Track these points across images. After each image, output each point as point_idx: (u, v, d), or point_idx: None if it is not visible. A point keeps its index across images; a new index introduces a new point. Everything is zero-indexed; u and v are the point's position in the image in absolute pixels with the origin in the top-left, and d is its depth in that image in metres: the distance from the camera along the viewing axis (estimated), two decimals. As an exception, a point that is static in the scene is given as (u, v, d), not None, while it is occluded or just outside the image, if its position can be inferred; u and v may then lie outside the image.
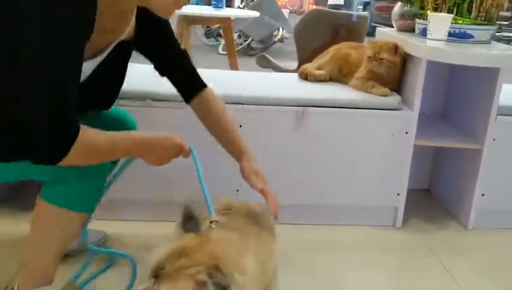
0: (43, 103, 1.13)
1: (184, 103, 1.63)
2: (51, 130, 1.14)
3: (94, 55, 1.33)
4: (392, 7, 2.54)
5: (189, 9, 3.91)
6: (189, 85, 1.59)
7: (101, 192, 1.46)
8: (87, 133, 1.19)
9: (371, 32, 9.45)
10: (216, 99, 1.61)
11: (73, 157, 1.17)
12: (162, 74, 1.59)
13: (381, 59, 2.21)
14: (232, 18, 4.25)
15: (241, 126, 2.06)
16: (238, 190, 1.98)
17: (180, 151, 1.41)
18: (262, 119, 2.10)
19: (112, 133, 1.27)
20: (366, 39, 2.80)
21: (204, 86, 1.60)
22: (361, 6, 15.30)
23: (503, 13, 9.36)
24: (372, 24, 12.45)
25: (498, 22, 8.07)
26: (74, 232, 1.45)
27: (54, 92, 1.13)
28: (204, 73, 1.64)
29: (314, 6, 18.77)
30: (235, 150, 1.57)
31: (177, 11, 4.18)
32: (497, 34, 9.27)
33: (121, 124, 1.64)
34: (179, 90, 1.59)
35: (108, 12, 1.23)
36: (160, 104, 2.03)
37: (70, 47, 1.14)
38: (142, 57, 1.61)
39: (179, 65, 1.58)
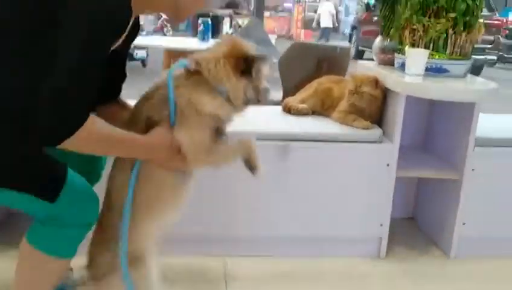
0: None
1: None
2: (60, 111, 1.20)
3: None
4: (378, 31, 2.61)
5: (174, 44, 3.98)
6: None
7: (83, 239, 1.45)
8: (96, 123, 1.26)
9: (360, 55, 9.60)
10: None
11: (75, 141, 1.22)
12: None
13: (362, 92, 2.27)
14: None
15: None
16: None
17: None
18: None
19: (113, 128, 1.32)
20: (354, 62, 2.87)
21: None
22: (348, 30, 15.59)
23: (486, 37, 9.58)
24: (360, 48, 12.72)
25: (482, 46, 8.13)
26: (58, 276, 1.47)
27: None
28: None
29: (303, 31, 19.11)
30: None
31: (164, 45, 4.24)
32: (481, 57, 9.38)
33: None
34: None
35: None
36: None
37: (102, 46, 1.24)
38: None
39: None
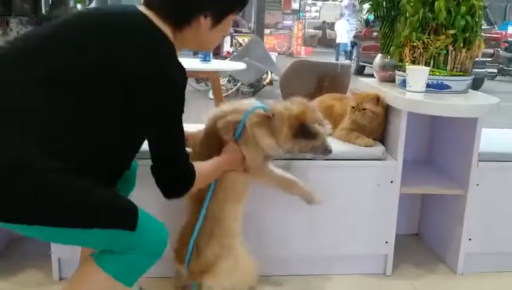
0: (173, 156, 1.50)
1: None
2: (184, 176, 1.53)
3: None
4: (378, 47, 2.62)
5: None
6: None
7: (147, 269, 1.50)
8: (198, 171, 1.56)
9: (360, 71, 9.66)
10: None
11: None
12: None
13: (364, 109, 2.27)
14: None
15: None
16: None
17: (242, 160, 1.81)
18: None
19: (204, 167, 1.66)
20: (355, 79, 2.88)
21: None
22: (348, 47, 15.72)
23: (486, 50, 9.61)
24: (360, 64, 12.76)
25: (482, 59, 8.15)
26: None
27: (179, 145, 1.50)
28: (189, 128, 1.76)
29: (303, 48, 19.22)
30: None
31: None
32: (481, 70, 9.41)
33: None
34: None
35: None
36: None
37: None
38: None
39: None
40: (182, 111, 1.47)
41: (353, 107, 2.31)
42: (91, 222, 1.31)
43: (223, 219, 1.84)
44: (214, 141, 1.82)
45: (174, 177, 1.51)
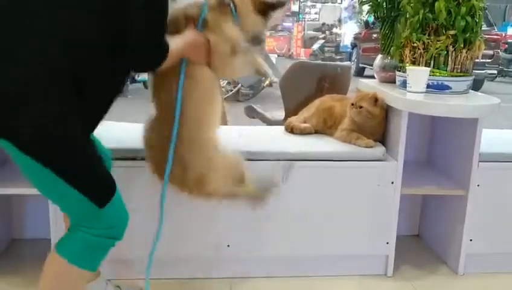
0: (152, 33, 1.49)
1: None
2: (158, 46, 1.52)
3: None
4: (377, 48, 2.62)
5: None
6: None
7: (106, 255, 1.60)
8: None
9: (361, 72, 9.66)
10: None
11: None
12: None
13: (360, 107, 2.27)
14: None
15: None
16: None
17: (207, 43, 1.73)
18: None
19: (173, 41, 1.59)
20: (355, 80, 2.88)
21: None
22: (349, 48, 15.76)
23: (486, 51, 9.63)
24: (360, 65, 12.76)
25: (482, 60, 8.16)
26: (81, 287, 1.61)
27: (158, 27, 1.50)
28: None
29: (303, 49, 19.23)
30: None
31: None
32: (481, 71, 9.39)
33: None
34: None
35: None
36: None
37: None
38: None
39: None
40: None
41: (352, 104, 2.31)
42: (78, 184, 1.44)
43: (201, 125, 1.77)
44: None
45: (152, 45, 1.52)
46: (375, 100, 2.27)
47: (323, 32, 16.81)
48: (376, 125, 2.31)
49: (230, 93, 7.61)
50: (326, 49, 15.24)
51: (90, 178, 1.49)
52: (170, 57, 1.56)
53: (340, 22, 19.96)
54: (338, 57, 15.00)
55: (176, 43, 1.61)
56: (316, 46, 15.51)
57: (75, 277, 1.55)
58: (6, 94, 1.34)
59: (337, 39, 16.62)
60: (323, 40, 15.64)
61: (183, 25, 1.72)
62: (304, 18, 24.67)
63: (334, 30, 17.59)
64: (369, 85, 2.54)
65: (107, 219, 1.52)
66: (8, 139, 1.37)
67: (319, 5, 27.24)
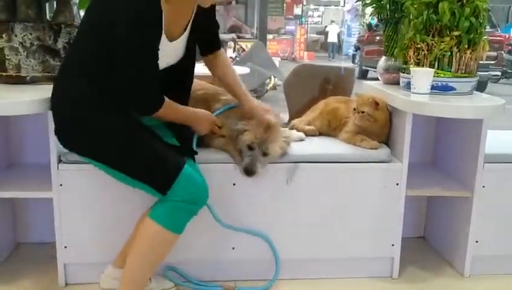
0: (141, 78, 1.71)
1: None
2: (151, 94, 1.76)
3: (178, 36, 1.85)
4: (380, 50, 2.61)
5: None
6: (211, 44, 2.09)
7: (189, 220, 1.83)
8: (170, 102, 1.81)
9: (364, 75, 9.68)
10: (227, 58, 2.22)
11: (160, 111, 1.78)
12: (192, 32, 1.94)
13: (362, 112, 2.27)
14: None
15: (234, 184, 2.11)
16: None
17: (212, 121, 2.04)
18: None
19: (177, 104, 1.85)
20: (359, 83, 2.88)
21: (220, 47, 2.13)
22: (351, 50, 15.77)
23: (489, 53, 9.60)
24: (363, 68, 12.78)
25: (485, 62, 8.12)
26: (169, 251, 1.84)
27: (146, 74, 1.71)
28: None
29: (306, 52, 19.27)
30: (237, 91, 2.13)
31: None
32: (485, 73, 9.36)
33: None
34: (200, 45, 2.06)
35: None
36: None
37: (150, 39, 1.68)
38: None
39: (211, 30, 2.06)
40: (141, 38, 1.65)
41: (354, 109, 2.30)
42: (136, 175, 1.77)
43: None
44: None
45: (145, 94, 1.75)
46: (376, 104, 2.26)
47: (326, 35, 17.15)
48: (380, 128, 2.31)
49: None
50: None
51: (144, 170, 1.76)
52: (174, 112, 1.84)
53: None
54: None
55: (187, 108, 1.93)
56: None
57: (165, 239, 1.79)
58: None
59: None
60: None
61: (206, 105, 2.12)
62: (307, 21, 24.74)
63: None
64: (373, 87, 2.54)
65: (180, 190, 1.74)
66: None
67: (322, 8, 27.27)
